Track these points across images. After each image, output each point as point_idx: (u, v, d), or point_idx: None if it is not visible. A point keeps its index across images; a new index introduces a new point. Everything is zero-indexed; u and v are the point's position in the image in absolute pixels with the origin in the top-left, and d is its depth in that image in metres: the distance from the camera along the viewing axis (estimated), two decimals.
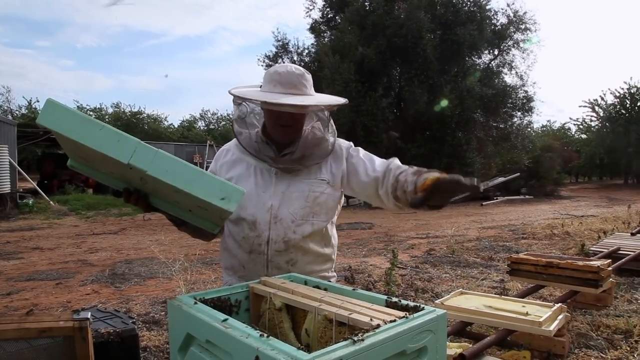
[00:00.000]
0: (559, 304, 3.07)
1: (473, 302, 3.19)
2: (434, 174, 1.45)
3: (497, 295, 3.57)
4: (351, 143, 1.87)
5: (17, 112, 35.19)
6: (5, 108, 34.99)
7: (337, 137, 1.85)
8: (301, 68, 1.70)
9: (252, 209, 1.70)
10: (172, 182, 1.20)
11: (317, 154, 1.77)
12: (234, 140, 1.85)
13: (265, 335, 0.96)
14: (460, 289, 3.59)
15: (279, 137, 1.74)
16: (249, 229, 1.71)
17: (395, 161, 1.74)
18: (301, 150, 1.75)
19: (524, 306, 3.05)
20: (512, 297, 3.63)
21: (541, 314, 2.83)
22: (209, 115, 50.88)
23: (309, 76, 1.71)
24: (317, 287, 1.39)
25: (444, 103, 18.08)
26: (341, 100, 1.75)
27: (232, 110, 1.83)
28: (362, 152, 1.83)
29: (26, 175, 15.97)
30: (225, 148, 1.90)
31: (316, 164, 1.77)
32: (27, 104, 35.37)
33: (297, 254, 1.70)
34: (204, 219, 1.47)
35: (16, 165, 15.12)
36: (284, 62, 21.21)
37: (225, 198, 1.24)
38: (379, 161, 1.77)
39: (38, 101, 34.60)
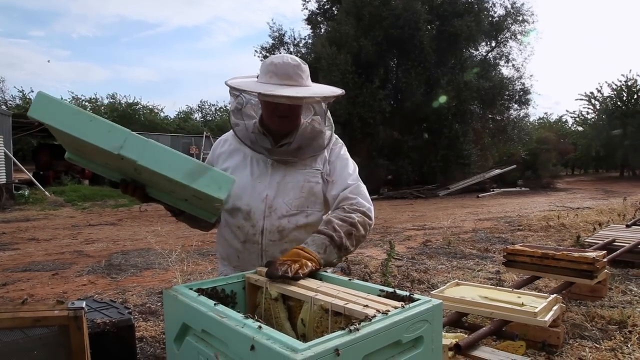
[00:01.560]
0: (554, 295, 3.08)
1: (469, 292, 3.21)
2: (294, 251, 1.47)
3: (493, 286, 3.58)
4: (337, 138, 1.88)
5: (11, 103, 34.98)
6: (0, 98, 34.78)
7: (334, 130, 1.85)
8: (297, 58, 1.69)
9: (248, 198, 1.71)
10: (163, 172, 1.21)
11: (314, 146, 1.78)
12: (231, 131, 1.84)
13: (261, 324, 0.96)
14: (456, 280, 3.60)
15: (276, 128, 1.74)
16: (243, 219, 1.72)
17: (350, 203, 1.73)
18: (298, 141, 1.75)
19: (519, 297, 3.06)
20: (508, 288, 3.64)
21: (536, 305, 2.85)
22: (206, 107, 50.85)
23: (305, 67, 1.70)
24: (313, 277, 1.39)
25: (443, 99, 18.08)
26: (337, 92, 1.74)
27: (229, 102, 1.82)
28: (341, 160, 1.83)
29: (22, 166, 15.89)
30: (222, 138, 1.91)
31: (312, 156, 1.77)
32: (21, 94, 35.16)
33: (291, 244, 1.68)
34: (200, 208, 1.48)
35: (11, 156, 15.05)
36: (280, 54, 21.08)
37: (215, 186, 1.25)
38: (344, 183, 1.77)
39: (32, 91, 34.38)
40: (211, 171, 1.27)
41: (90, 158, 1.42)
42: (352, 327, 0.93)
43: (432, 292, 3.41)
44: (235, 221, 1.74)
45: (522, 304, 2.90)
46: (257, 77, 1.71)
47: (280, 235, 1.71)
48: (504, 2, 22.33)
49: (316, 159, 1.79)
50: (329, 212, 1.74)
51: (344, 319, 1.10)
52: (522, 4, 20.97)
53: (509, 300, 3.00)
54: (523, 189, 21.25)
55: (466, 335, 2.71)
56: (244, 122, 1.78)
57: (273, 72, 1.64)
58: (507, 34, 21.19)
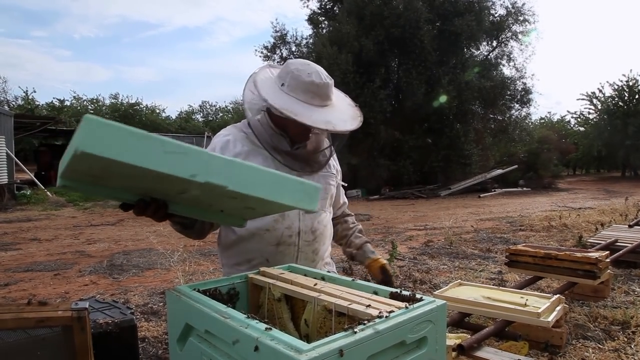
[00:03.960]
0: (557, 295, 3.07)
1: (471, 293, 3.20)
2: (377, 261, 2.04)
3: (495, 287, 3.57)
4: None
5: (13, 103, 35.01)
6: (2, 99, 34.80)
7: None
8: (326, 73, 1.68)
9: None
10: (256, 194, 1.07)
11: (324, 151, 1.84)
12: (232, 128, 1.81)
13: (266, 325, 0.96)
14: (459, 280, 3.59)
15: (300, 139, 1.75)
16: (275, 221, 1.71)
17: (346, 212, 2.18)
18: (312, 143, 1.80)
19: (522, 297, 3.05)
20: (510, 288, 3.63)
21: (539, 305, 2.84)
22: (208, 107, 50.94)
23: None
24: (316, 277, 1.38)
25: (443, 98, 18.07)
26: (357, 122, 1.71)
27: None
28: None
29: (23, 167, 15.92)
30: (230, 139, 1.76)
31: (326, 162, 1.84)
32: (24, 94, 35.20)
33: (319, 243, 1.79)
34: (235, 216, 1.38)
35: (13, 156, 15.07)
36: (282, 53, 21.09)
37: (307, 199, 1.18)
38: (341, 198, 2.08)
39: (35, 91, 34.37)
40: (300, 183, 1.17)
41: (104, 183, 1.12)
42: (356, 328, 0.93)
43: (435, 292, 3.40)
44: (264, 224, 1.70)
45: (525, 305, 2.89)
46: (283, 85, 1.64)
47: (313, 236, 1.77)
48: (504, 2, 22.30)
49: (330, 163, 1.87)
50: (344, 222, 2.10)
51: (347, 319, 1.09)
52: (523, 4, 21.00)
53: (511, 300, 2.99)
54: (524, 189, 21.22)
55: (469, 336, 2.71)
56: (259, 124, 1.74)
57: (315, 92, 1.61)
58: (508, 34, 21.19)
